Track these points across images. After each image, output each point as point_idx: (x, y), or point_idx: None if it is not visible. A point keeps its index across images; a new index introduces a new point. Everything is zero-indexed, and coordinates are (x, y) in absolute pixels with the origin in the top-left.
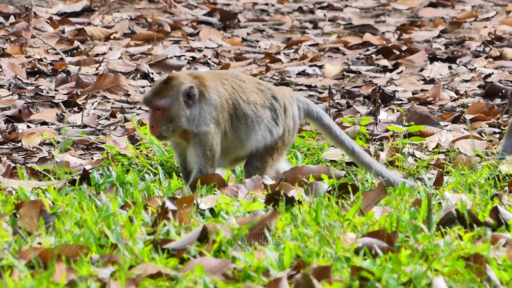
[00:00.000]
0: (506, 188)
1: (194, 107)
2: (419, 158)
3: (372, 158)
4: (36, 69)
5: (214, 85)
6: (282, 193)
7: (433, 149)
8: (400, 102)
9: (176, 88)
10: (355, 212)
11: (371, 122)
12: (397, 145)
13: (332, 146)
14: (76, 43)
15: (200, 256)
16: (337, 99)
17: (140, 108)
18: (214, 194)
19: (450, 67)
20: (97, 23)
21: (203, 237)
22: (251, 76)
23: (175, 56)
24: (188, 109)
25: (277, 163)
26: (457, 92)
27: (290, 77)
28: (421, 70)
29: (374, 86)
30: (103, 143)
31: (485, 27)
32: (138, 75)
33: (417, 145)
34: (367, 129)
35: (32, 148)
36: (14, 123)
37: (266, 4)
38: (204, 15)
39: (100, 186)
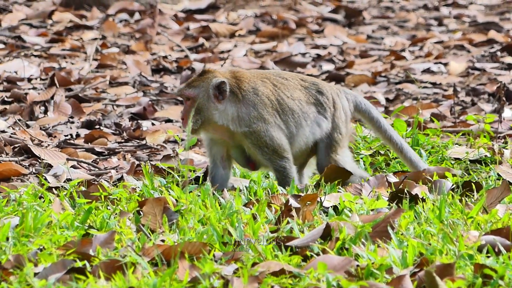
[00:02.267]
0: None
1: (228, 106)
2: None
3: (419, 158)
4: (161, 66)
5: (251, 85)
6: (405, 191)
7: None
8: None
9: (208, 80)
10: (479, 210)
11: (495, 119)
12: None
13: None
14: (201, 40)
15: (323, 253)
16: (461, 96)
17: None
18: (338, 191)
19: None
20: (222, 20)
21: (326, 234)
22: (294, 73)
23: (300, 53)
24: (218, 103)
25: (344, 155)
26: None
27: (415, 74)
28: None
29: (499, 84)
30: None
31: None
32: None
33: None
34: (491, 127)
35: (156, 145)
36: (139, 121)
37: (391, 1)
38: (329, 12)
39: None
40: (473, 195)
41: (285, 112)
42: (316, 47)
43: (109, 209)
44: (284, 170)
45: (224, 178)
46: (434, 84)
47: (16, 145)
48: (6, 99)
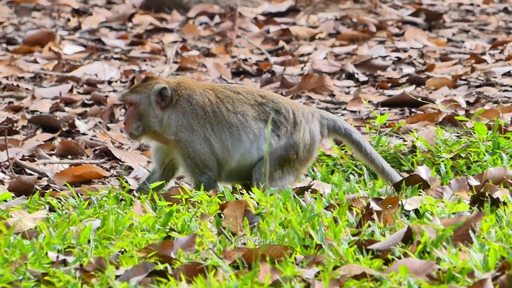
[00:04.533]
0: None
1: (166, 112)
2: None
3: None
4: (241, 69)
5: (187, 92)
6: (487, 194)
7: None
8: None
9: (150, 86)
10: None
11: None
12: None
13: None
14: (281, 43)
15: (404, 257)
16: None
17: (345, 109)
18: (419, 195)
19: None
20: (302, 23)
21: (408, 238)
22: (259, 89)
23: (380, 56)
24: (160, 110)
25: (291, 177)
26: None
27: (495, 77)
28: None
29: None
30: None
31: None
32: (343, 76)
33: None
34: None
35: None
36: None
37: (471, 4)
38: (409, 15)
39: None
40: None
41: (221, 125)
42: (397, 50)
43: (190, 212)
44: (200, 184)
45: (159, 185)
46: None
47: (97, 148)
48: (86, 101)
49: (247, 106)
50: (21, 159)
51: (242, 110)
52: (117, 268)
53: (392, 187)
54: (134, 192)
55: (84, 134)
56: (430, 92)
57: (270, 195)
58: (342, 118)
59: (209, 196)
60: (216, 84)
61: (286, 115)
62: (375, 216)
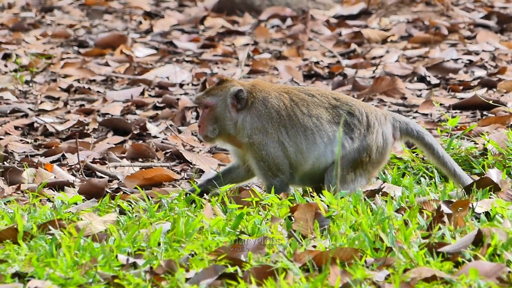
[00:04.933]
0: None
1: (241, 115)
2: None
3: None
4: (312, 72)
5: (262, 94)
6: None
7: None
8: None
9: (226, 89)
10: None
11: None
12: None
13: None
14: (353, 46)
15: (474, 259)
16: None
17: (416, 111)
18: (490, 197)
19: None
20: (374, 25)
21: (478, 240)
22: (331, 91)
23: (451, 59)
24: (235, 113)
25: (363, 180)
26: None
27: None
28: None
29: None
30: None
31: None
32: (415, 78)
33: None
34: None
35: None
36: None
37: None
38: (481, 18)
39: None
40: None
41: (296, 128)
42: (468, 53)
43: (261, 215)
44: (274, 189)
45: (240, 176)
46: None
47: (168, 151)
48: (158, 104)
49: (321, 109)
50: (92, 162)
51: (316, 113)
52: (187, 270)
53: (463, 190)
54: (207, 180)
55: (155, 137)
56: (502, 95)
57: (341, 198)
58: (413, 121)
59: (280, 199)
60: (290, 86)
61: (359, 117)
62: (445, 218)
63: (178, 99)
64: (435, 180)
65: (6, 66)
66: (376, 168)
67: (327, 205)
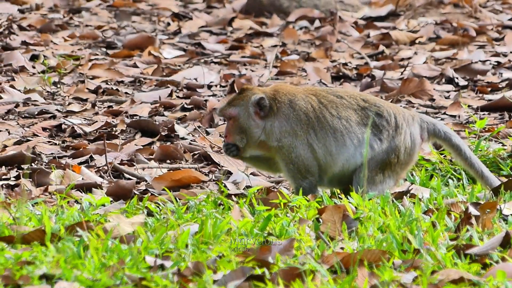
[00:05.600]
0: None
1: (268, 120)
2: None
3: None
4: (340, 73)
5: (288, 97)
6: None
7: None
8: None
9: (247, 98)
10: None
11: None
12: None
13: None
14: (381, 48)
15: (502, 261)
16: None
17: (444, 113)
18: None
19: None
20: (402, 27)
21: (506, 242)
22: (359, 92)
23: (480, 60)
24: (260, 120)
25: (391, 181)
26: None
27: None
28: None
29: None
30: None
31: None
32: (443, 80)
33: None
34: None
35: None
36: None
37: None
38: (510, 20)
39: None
40: None
41: (325, 130)
42: (496, 54)
43: (289, 216)
44: (303, 191)
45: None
46: None
47: (196, 152)
48: (186, 106)
49: (350, 111)
50: (119, 164)
51: (346, 115)
52: (214, 272)
53: (491, 192)
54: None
55: (183, 138)
56: None
57: (369, 199)
58: (442, 122)
59: (308, 201)
60: (317, 88)
61: (388, 118)
62: (473, 220)
63: (206, 100)
64: (463, 182)
65: (34, 67)
66: (404, 170)
67: (355, 207)
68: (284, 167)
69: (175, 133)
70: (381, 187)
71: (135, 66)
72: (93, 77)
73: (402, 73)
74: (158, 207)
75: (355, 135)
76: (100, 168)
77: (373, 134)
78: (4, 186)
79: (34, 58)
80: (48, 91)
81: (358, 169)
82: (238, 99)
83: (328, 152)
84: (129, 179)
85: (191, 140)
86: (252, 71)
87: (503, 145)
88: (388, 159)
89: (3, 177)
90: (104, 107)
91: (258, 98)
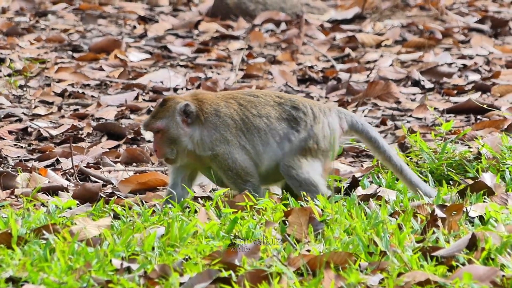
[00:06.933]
0: None
1: (195, 129)
2: None
3: (419, 179)
4: (306, 76)
5: (213, 107)
6: None
7: None
8: None
9: (172, 108)
10: None
11: None
12: None
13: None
14: (347, 50)
15: (468, 263)
16: None
17: (410, 116)
18: (484, 201)
19: None
20: (368, 30)
21: (472, 244)
22: (273, 91)
23: (446, 63)
24: (188, 127)
25: (316, 165)
26: None
27: None
28: None
29: None
30: None
31: None
32: (409, 83)
33: None
34: None
35: None
36: None
37: None
38: (475, 22)
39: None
40: None
41: (251, 131)
42: (463, 57)
43: (255, 219)
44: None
45: (180, 196)
46: None
47: None
48: (152, 109)
49: (268, 107)
50: (86, 167)
51: (265, 113)
52: (181, 275)
53: (457, 194)
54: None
55: (149, 141)
56: (496, 99)
57: (335, 202)
58: (408, 125)
59: (274, 203)
60: (233, 91)
61: (304, 110)
62: (439, 222)
63: None
64: (429, 184)
65: (0, 70)
66: (325, 156)
67: (321, 209)
68: (223, 174)
69: (141, 136)
70: (307, 170)
71: (101, 69)
72: (59, 80)
73: (368, 76)
74: (125, 210)
75: (276, 132)
76: (67, 171)
77: (290, 127)
78: None
79: (0, 61)
80: (14, 94)
81: (281, 160)
82: (163, 111)
83: (257, 151)
84: (96, 182)
85: None
86: (218, 74)
87: (469, 147)
88: (306, 145)
89: None
90: (70, 110)
91: (183, 105)
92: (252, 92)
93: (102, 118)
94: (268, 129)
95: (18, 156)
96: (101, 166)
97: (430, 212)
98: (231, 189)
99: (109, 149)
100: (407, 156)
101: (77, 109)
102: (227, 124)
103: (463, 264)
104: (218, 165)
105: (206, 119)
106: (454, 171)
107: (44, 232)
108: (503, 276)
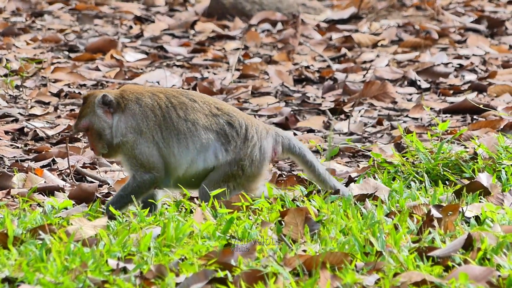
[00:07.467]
0: None
1: (116, 117)
2: None
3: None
4: (303, 76)
5: (135, 95)
6: None
7: None
8: None
9: (91, 103)
10: None
11: None
12: None
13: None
14: (344, 50)
15: (464, 263)
16: None
17: (407, 116)
18: (480, 202)
19: None
20: (364, 30)
21: (468, 244)
22: (216, 99)
23: (442, 63)
24: (110, 118)
25: (235, 193)
26: None
27: None
28: None
29: None
30: (369, 150)
31: None
32: (405, 82)
33: None
34: None
35: None
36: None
37: None
38: (472, 22)
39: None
40: None
41: (169, 130)
42: (459, 57)
43: (251, 219)
44: (142, 181)
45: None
46: None
47: None
48: None
49: (200, 114)
50: (82, 167)
51: (193, 118)
52: (177, 275)
53: (453, 194)
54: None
55: None
56: (492, 99)
57: (331, 202)
58: (404, 125)
59: (270, 203)
60: (170, 89)
61: (238, 129)
62: (435, 223)
63: None
64: (425, 184)
65: None
66: (252, 182)
67: (317, 210)
68: (126, 161)
69: None
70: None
71: (97, 69)
72: (56, 81)
73: (364, 76)
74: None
75: (198, 139)
76: (63, 171)
77: (220, 143)
78: None
79: None
80: (10, 95)
81: (205, 177)
82: (85, 108)
83: (172, 153)
84: (92, 182)
85: None
86: (215, 74)
87: (466, 147)
88: (230, 171)
89: None
90: (66, 111)
91: (100, 97)
92: (192, 95)
93: None
94: (189, 135)
95: (14, 156)
96: (97, 166)
97: (426, 212)
98: (129, 175)
99: None
100: (403, 156)
101: (73, 109)
102: (146, 115)
103: (459, 264)
104: (125, 152)
105: (126, 106)
106: (450, 171)
107: (40, 232)
108: (499, 276)
